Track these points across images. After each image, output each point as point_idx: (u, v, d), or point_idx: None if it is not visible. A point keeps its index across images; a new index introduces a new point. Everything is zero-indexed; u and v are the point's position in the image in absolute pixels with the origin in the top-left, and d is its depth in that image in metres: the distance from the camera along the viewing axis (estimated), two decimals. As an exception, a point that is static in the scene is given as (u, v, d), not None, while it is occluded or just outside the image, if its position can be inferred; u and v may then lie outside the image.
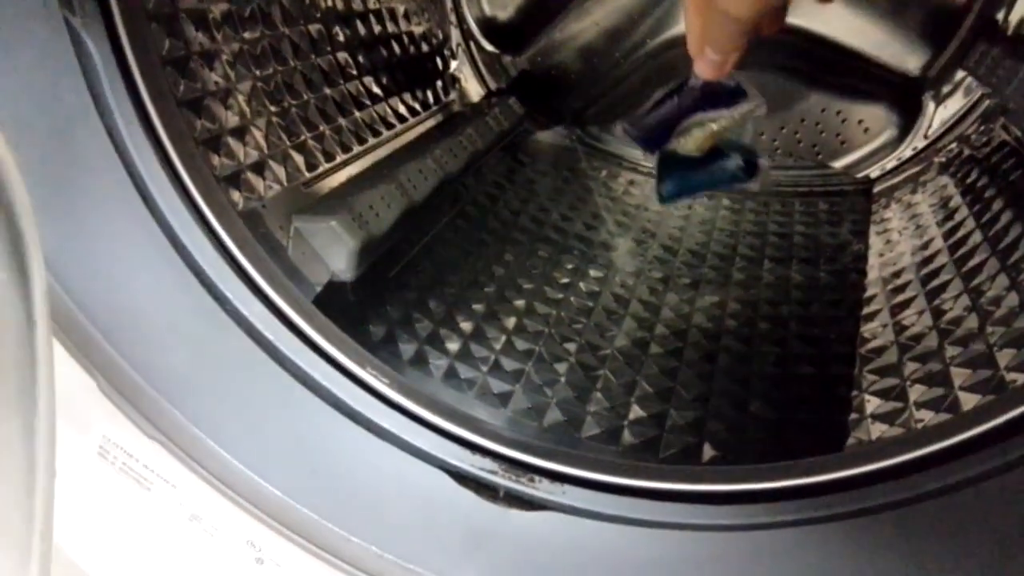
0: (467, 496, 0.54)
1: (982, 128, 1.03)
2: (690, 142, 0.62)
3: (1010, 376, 0.59)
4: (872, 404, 0.68)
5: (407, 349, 0.80)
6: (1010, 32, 1.01)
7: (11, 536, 0.35)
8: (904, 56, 1.12)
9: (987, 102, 1.04)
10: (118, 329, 0.58)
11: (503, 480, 0.55)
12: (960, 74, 1.08)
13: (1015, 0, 1.01)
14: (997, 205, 0.82)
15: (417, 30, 1.18)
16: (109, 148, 0.59)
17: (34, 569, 0.35)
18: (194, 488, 0.58)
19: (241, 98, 0.78)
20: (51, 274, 0.57)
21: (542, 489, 0.54)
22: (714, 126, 0.61)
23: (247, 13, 0.82)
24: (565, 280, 0.96)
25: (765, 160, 0.64)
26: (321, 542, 0.55)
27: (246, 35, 0.81)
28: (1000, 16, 1.03)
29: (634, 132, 0.64)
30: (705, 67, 0.56)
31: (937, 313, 0.74)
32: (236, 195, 0.73)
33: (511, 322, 0.87)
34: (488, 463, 0.55)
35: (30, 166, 0.56)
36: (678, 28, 1.23)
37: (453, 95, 1.25)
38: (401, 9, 1.15)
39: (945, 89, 1.10)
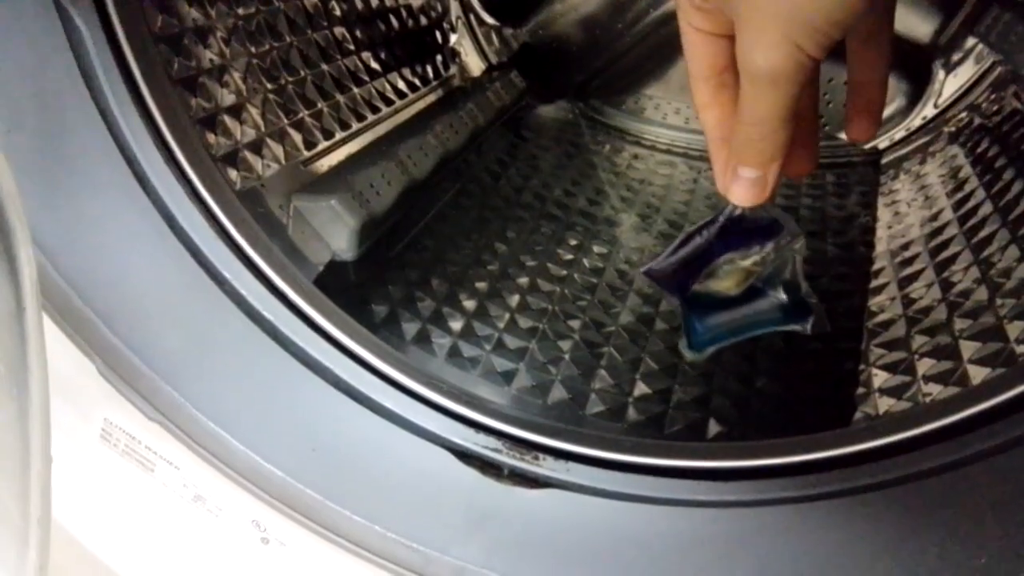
0: (471, 474, 0.54)
1: (993, 96, 1.01)
2: (721, 282, 0.54)
3: (1020, 349, 0.58)
4: (879, 378, 0.67)
5: (410, 328, 0.80)
6: (1022, -4, 0.98)
7: (9, 524, 0.35)
8: (913, 23, 1.09)
9: (998, 70, 1.02)
10: (115, 311, 0.57)
11: (507, 458, 0.54)
12: (971, 41, 1.06)
13: (1028, -37, 0.98)
14: (1008, 175, 0.80)
15: (415, 3, 1.16)
16: (102, 129, 0.58)
17: (32, 556, 0.35)
18: (197, 469, 0.58)
19: (237, 75, 0.77)
20: (46, 257, 0.56)
21: (546, 467, 0.54)
22: (746, 263, 0.53)
23: (241, -12, 0.80)
24: (569, 257, 0.95)
25: (815, 299, 0.55)
26: (325, 521, 0.55)
27: (240, 10, 0.80)
28: (1012, -20, 1.01)
29: (656, 273, 0.56)
30: (744, 191, 0.45)
31: (946, 285, 0.73)
32: (233, 174, 0.72)
33: (514, 300, 0.86)
34: (492, 441, 0.55)
35: (20, 149, 0.56)
36: (682, -2, 1.21)
37: (453, 70, 1.23)
38: (399, -18, 1.13)
39: (955, 57, 1.08)
